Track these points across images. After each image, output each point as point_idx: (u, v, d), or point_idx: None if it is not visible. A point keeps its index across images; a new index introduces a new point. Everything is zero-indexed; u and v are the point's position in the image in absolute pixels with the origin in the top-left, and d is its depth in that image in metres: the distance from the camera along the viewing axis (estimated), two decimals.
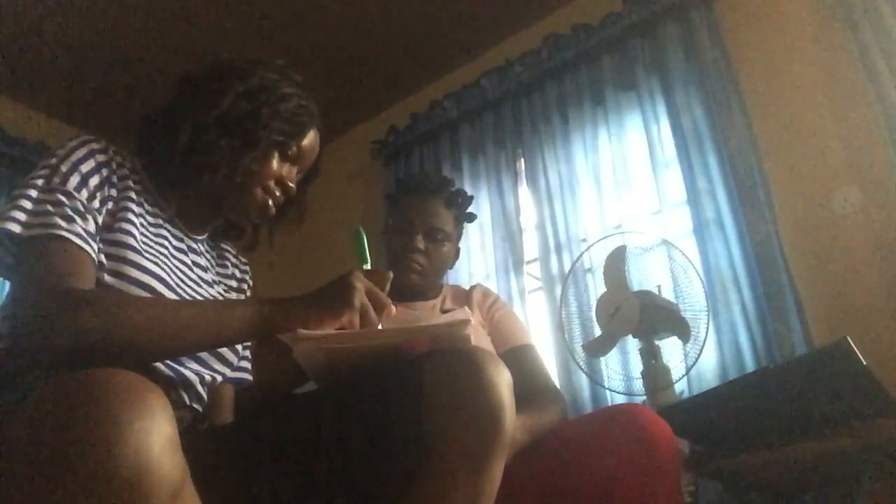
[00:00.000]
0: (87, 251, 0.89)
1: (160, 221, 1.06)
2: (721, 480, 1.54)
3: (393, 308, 0.99)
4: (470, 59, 2.98)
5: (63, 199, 0.90)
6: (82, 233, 0.89)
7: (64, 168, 0.92)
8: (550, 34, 2.66)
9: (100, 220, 0.93)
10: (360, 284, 0.95)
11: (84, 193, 0.92)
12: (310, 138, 1.13)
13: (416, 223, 1.62)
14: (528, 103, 2.72)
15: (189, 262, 1.08)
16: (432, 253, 1.62)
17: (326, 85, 3.08)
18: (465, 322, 0.93)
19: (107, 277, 0.92)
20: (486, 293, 1.70)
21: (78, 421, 0.59)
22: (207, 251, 1.17)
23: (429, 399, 0.87)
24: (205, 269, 1.13)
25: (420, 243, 1.60)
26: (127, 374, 0.64)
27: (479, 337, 1.56)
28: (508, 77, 2.76)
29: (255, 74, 1.08)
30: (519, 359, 1.53)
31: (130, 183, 1.01)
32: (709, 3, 2.38)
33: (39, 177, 0.92)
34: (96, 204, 0.93)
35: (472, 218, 1.79)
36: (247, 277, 1.25)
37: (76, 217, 0.90)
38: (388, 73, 3.07)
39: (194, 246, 1.12)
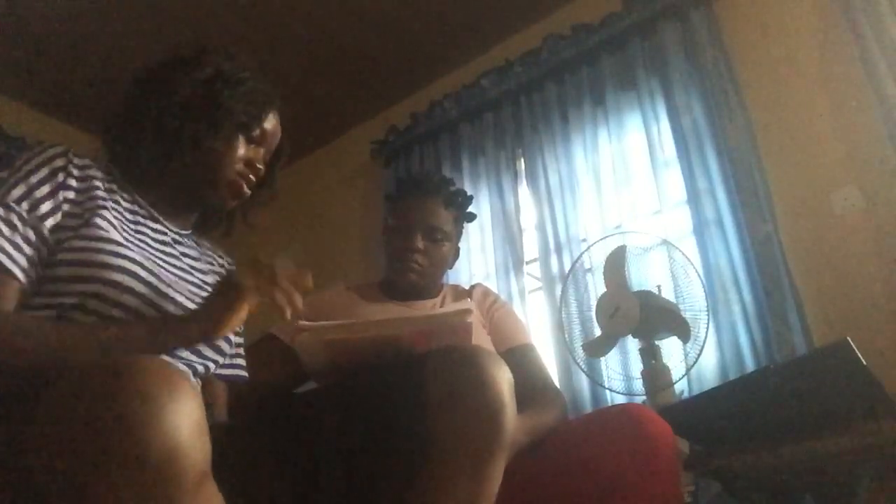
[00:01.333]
0: (4, 265, 0.90)
1: (139, 219, 1.07)
2: (721, 480, 1.54)
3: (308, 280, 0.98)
4: (470, 59, 2.98)
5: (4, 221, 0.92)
6: (4, 244, 0.91)
7: (12, 180, 0.95)
8: (550, 34, 2.66)
9: (47, 225, 0.95)
10: (250, 281, 0.95)
11: (25, 205, 0.94)
12: (271, 120, 1.16)
13: (414, 223, 1.62)
14: (528, 103, 2.72)
15: (177, 253, 1.10)
16: (431, 252, 1.62)
17: (326, 85, 3.09)
18: (467, 311, 0.93)
19: (86, 270, 0.93)
20: (486, 292, 1.70)
21: (112, 403, 0.61)
22: (195, 247, 1.18)
23: (430, 398, 0.87)
24: (196, 259, 1.15)
25: (419, 243, 1.59)
26: (158, 361, 0.66)
27: (479, 336, 1.56)
28: (508, 77, 2.75)
29: (209, 62, 1.11)
30: (519, 358, 1.52)
31: (99, 185, 1.03)
32: (709, 3, 2.38)
33: None
34: (41, 211, 0.95)
35: (471, 217, 1.79)
36: None
37: (4, 228, 0.91)
38: (388, 73, 3.07)
39: (181, 239, 1.14)
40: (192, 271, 1.11)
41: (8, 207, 0.93)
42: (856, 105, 2.07)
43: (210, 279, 1.14)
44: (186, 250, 1.13)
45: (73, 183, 1.00)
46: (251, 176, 1.13)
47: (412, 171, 2.96)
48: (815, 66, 2.19)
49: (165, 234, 1.10)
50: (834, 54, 2.15)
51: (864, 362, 1.16)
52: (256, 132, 1.13)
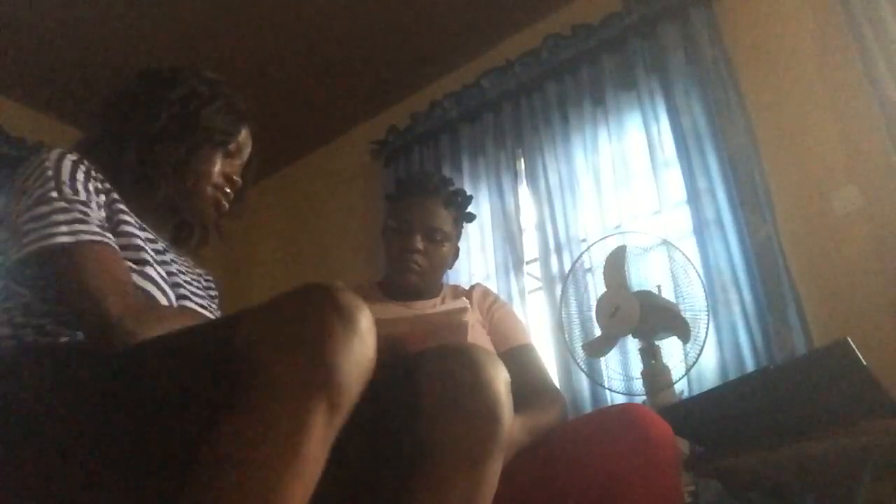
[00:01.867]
0: (107, 243, 0.93)
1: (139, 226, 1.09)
2: (721, 480, 1.54)
3: None
4: (470, 59, 2.98)
5: (88, 210, 0.94)
6: (95, 228, 0.93)
7: (66, 180, 0.95)
8: (550, 34, 2.67)
9: (107, 226, 0.97)
10: None
11: (94, 205, 0.96)
12: (244, 132, 1.20)
13: (414, 223, 1.61)
14: (528, 103, 2.72)
15: (168, 260, 1.12)
16: (431, 253, 1.61)
17: (326, 85, 3.09)
18: (463, 310, 0.92)
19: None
20: (486, 293, 1.70)
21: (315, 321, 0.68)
22: (176, 258, 1.20)
23: (426, 396, 0.87)
24: (183, 269, 1.16)
25: (419, 243, 1.59)
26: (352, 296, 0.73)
27: (478, 336, 1.56)
28: (508, 77, 2.75)
29: (183, 82, 1.13)
30: (519, 358, 1.52)
31: (110, 191, 1.04)
32: (709, 3, 2.38)
33: (50, 189, 0.94)
34: (102, 214, 0.98)
35: (471, 218, 1.78)
36: (212, 285, 1.28)
37: (80, 216, 0.93)
38: (388, 73, 3.07)
39: (167, 249, 1.15)
40: (190, 281, 1.13)
41: (89, 206, 0.94)
42: (856, 105, 2.07)
43: (200, 287, 1.17)
44: (174, 258, 1.15)
45: (100, 186, 1.01)
46: (229, 190, 1.16)
47: (412, 171, 2.95)
48: (815, 66, 2.19)
49: (156, 242, 1.12)
50: (834, 54, 2.15)
51: (864, 362, 1.16)
52: (233, 146, 1.17)
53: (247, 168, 1.24)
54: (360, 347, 0.69)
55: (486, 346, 1.53)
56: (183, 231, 1.24)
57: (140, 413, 0.74)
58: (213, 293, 1.25)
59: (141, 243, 1.00)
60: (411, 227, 1.61)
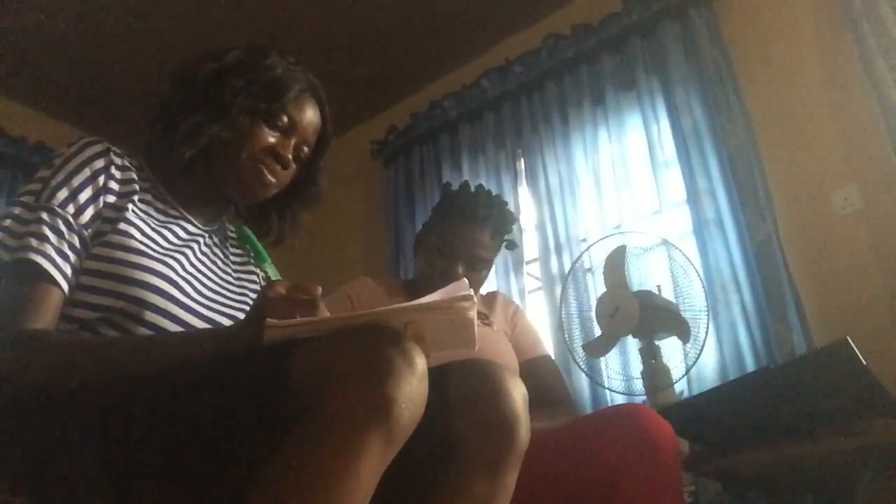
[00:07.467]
0: (52, 276, 0.88)
1: (170, 219, 1.05)
2: (721, 480, 1.54)
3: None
4: (470, 59, 2.98)
5: (45, 216, 0.90)
6: (53, 254, 0.89)
7: (54, 182, 0.93)
8: (550, 34, 2.66)
9: (88, 232, 0.93)
10: (274, 294, 0.82)
11: (71, 209, 0.92)
12: (303, 108, 1.13)
13: (459, 251, 1.66)
14: (528, 103, 2.72)
15: (201, 254, 1.07)
16: (470, 279, 1.69)
17: (326, 85, 3.07)
18: (467, 299, 0.79)
19: (108, 283, 0.91)
20: (507, 300, 1.81)
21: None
22: (220, 244, 1.15)
23: (450, 409, 0.90)
24: (225, 257, 1.13)
25: (460, 270, 1.64)
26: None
27: (503, 344, 1.63)
28: (508, 77, 2.75)
29: (232, 53, 1.07)
30: (539, 369, 1.65)
31: (136, 186, 1.01)
32: (709, 3, 2.38)
33: (30, 192, 0.93)
34: (85, 218, 0.93)
35: (512, 246, 1.85)
36: (254, 279, 1.22)
37: (52, 235, 0.89)
38: (388, 73, 3.07)
39: (208, 240, 1.11)
40: (216, 274, 1.08)
41: (53, 212, 0.91)
42: (856, 105, 2.06)
43: (234, 280, 1.12)
44: (216, 250, 1.11)
45: (113, 185, 0.97)
46: (277, 166, 1.08)
47: (412, 171, 2.96)
48: (815, 66, 2.19)
49: (194, 235, 1.08)
50: (834, 54, 2.15)
51: (864, 362, 1.16)
52: (283, 120, 1.08)
53: (317, 150, 1.19)
54: (419, 388, 0.71)
55: (510, 354, 1.59)
56: (262, 225, 1.20)
57: (193, 434, 0.74)
58: (249, 288, 1.16)
59: (138, 245, 0.95)
60: (455, 254, 1.65)
